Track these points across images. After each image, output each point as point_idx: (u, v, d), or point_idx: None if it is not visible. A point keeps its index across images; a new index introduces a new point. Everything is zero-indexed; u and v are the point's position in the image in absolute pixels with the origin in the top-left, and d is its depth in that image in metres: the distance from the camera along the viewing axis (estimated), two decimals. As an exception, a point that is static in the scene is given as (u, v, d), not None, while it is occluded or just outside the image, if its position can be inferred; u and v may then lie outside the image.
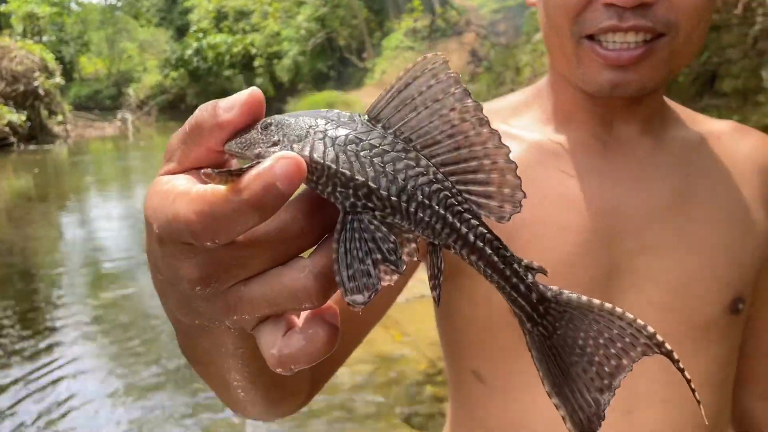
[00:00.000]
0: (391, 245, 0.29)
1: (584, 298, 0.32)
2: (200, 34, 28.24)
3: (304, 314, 0.33)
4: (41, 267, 5.51)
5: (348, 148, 0.29)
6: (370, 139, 0.29)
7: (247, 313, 0.31)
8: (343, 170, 0.28)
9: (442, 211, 0.29)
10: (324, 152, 0.29)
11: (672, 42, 0.67)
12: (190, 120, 0.31)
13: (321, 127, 0.30)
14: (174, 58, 28.47)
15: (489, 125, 0.30)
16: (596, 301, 0.32)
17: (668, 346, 0.31)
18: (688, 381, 0.32)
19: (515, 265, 0.31)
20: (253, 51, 26.46)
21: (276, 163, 0.27)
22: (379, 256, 0.29)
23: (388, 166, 0.29)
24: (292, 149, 0.29)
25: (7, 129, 15.53)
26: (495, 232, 0.31)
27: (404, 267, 0.29)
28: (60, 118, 18.87)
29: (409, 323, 3.59)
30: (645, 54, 0.67)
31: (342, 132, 0.29)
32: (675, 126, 0.80)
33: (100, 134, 21.69)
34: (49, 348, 3.71)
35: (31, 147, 16.24)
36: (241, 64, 26.93)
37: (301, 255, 0.31)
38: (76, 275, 5.29)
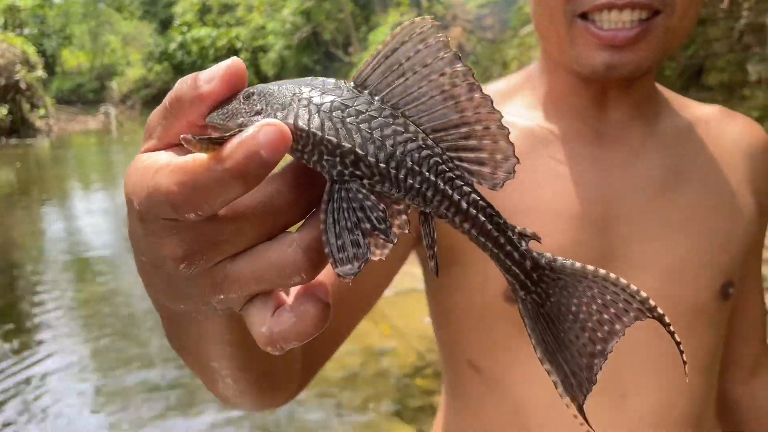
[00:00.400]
0: (381, 214, 0.28)
1: (578, 264, 0.31)
2: (184, 28, 28.00)
3: (293, 292, 0.32)
4: (22, 261, 5.47)
5: (334, 114, 0.28)
6: (357, 106, 0.28)
7: (234, 291, 0.30)
8: (329, 137, 0.27)
9: (432, 178, 0.28)
10: (309, 119, 0.27)
11: (668, 20, 0.66)
12: (170, 94, 0.30)
13: (305, 95, 0.28)
14: (158, 52, 28.22)
15: (481, 90, 0.29)
16: (590, 267, 0.31)
17: (660, 311, 0.31)
18: (678, 343, 0.31)
19: (509, 233, 0.30)
20: (238, 45, 26.27)
21: (259, 130, 0.26)
22: (368, 226, 0.28)
23: (375, 132, 0.28)
24: (275, 117, 0.28)
25: (-12, 123, 15.34)
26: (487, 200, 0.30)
27: (395, 237, 0.28)
28: (42, 111, 18.60)
29: (398, 317, 3.59)
30: (641, 34, 0.66)
31: (327, 99, 0.28)
32: (666, 111, 0.80)
33: (82, 128, 21.46)
34: (30, 339, 3.68)
35: (13, 141, 16.03)
36: (225, 57, 26.61)
37: (289, 230, 0.30)
38: (58, 269, 5.24)
